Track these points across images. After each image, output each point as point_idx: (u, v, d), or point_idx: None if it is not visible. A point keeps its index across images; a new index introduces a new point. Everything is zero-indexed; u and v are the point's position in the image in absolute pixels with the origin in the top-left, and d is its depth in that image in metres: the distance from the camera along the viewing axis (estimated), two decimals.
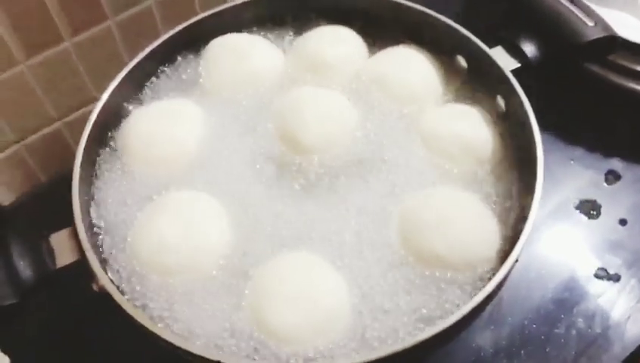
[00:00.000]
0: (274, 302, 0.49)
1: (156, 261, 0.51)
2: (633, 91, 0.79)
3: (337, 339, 0.49)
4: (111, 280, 0.49)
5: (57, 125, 0.78)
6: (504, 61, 0.60)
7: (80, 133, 0.79)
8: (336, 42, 0.66)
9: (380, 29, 0.68)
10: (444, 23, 0.64)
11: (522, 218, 0.52)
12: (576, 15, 0.59)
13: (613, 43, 0.59)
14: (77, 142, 0.80)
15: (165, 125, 0.59)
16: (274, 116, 0.61)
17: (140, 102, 0.64)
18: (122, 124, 0.62)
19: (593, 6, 0.61)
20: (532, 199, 0.51)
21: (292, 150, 0.58)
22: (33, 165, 0.80)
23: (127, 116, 0.62)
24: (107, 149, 0.61)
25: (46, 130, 0.78)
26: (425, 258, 0.52)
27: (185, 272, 0.51)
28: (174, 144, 0.59)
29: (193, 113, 0.61)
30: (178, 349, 0.44)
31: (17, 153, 0.77)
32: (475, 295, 0.46)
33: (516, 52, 0.61)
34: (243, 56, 0.63)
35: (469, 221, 0.53)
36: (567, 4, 0.60)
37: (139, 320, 0.45)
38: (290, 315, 0.48)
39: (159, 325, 0.47)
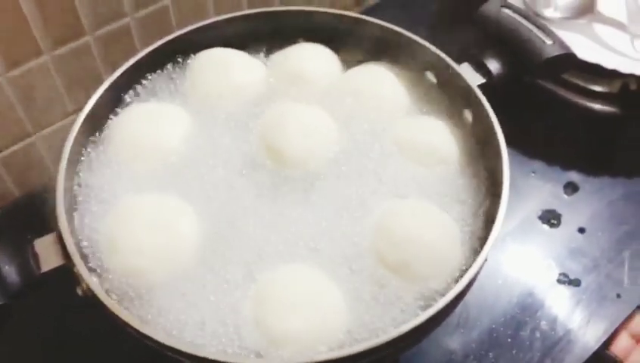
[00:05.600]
0: (275, 307, 0.50)
1: (130, 264, 0.52)
2: (586, 108, 0.84)
3: (332, 343, 0.50)
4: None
5: (32, 139, 0.79)
6: (471, 77, 0.63)
7: (55, 147, 0.80)
8: (312, 58, 0.68)
9: (354, 47, 0.71)
10: (415, 41, 0.66)
11: (489, 224, 0.55)
12: (536, 35, 0.62)
13: (570, 60, 0.63)
14: (52, 157, 0.82)
15: (151, 126, 0.61)
16: (260, 128, 0.62)
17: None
18: (105, 129, 0.63)
19: (551, 27, 0.65)
20: (498, 205, 0.54)
21: (274, 161, 0.60)
22: (7, 178, 0.80)
23: (109, 122, 0.63)
24: (90, 154, 0.61)
25: (22, 144, 0.78)
26: (397, 269, 0.54)
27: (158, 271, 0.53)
28: (159, 144, 0.60)
29: (179, 116, 0.63)
30: (167, 347, 0.45)
31: None
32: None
33: (482, 68, 0.64)
34: (227, 68, 0.65)
35: (435, 237, 0.55)
36: (528, 24, 0.63)
37: (127, 320, 0.46)
38: (292, 321, 0.50)
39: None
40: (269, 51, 0.71)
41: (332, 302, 0.52)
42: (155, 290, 0.52)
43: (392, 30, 0.68)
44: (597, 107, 0.84)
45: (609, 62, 0.81)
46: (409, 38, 0.67)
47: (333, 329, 0.51)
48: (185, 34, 0.68)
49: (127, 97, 0.66)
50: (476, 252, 0.55)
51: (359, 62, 0.70)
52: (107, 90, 0.62)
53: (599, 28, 0.88)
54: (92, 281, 0.48)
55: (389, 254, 0.54)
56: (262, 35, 0.71)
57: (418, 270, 0.53)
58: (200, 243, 0.55)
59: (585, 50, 0.81)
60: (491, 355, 0.68)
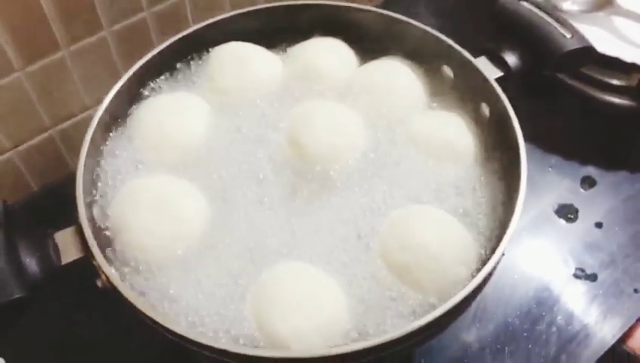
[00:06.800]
0: (278, 307, 0.50)
1: (134, 241, 0.53)
2: (604, 102, 0.84)
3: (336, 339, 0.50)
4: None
5: (50, 132, 0.80)
6: (489, 70, 0.63)
7: (73, 141, 0.81)
8: (328, 52, 0.68)
9: (370, 41, 0.70)
10: (431, 34, 0.66)
11: (506, 218, 0.54)
12: (555, 27, 0.62)
13: (589, 54, 0.63)
14: (70, 150, 0.83)
15: (173, 115, 0.62)
16: (286, 122, 0.63)
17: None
18: (124, 122, 0.64)
19: (570, 20, 0.65)
20: (516, 200, 0.54)
21: (296, 156, 0.60)
22: (25, 172, 0.81)
23: (129, 115, 0.64)
24: (110, 147, 0.62)
25: (39, 138, 0.79)
26: (400, 272, 0.54)
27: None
28: (181, 134, 0.61)
29: (200, 106, 0.63)
30: (186, 339, 0.45)
31: (9, 160, 0.78)
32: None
33: (499, 62, 0.64)
34: (246, 62, 0.65)
35: (445, 255, 0.54)
36: (547, 17, 0.63)
37: (147, 312, 0.46)
38: (295, 320, 0.49)
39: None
40: (285, 46, 0.71)
41: (334, 299, 0.52)
42: (162, 275, 0.53)
43: (408, 23, 0.67)
44: (615, 100, 0.83)
45: (628, 55, 0.80)
46: (426, 32, 0.67)
47: (337, 326, 0.50)
48: (202, 29, 0.68)
49: (145, 92, 0.66)
50: (492, 247, 0.54)
51: (375, 56, 0.70)
52: (124, 84, 0.62)
53: (618, 21, 0.87)
54: (112, 273, 0.49)
55: (396, 257, 0.54)
56: (278, 29, 0.71)
57: (422, 277, 0.53)
58: (206, 229, 0.55)
59: (604, 43, 0.80)
60: (507, 349, 0.68)
